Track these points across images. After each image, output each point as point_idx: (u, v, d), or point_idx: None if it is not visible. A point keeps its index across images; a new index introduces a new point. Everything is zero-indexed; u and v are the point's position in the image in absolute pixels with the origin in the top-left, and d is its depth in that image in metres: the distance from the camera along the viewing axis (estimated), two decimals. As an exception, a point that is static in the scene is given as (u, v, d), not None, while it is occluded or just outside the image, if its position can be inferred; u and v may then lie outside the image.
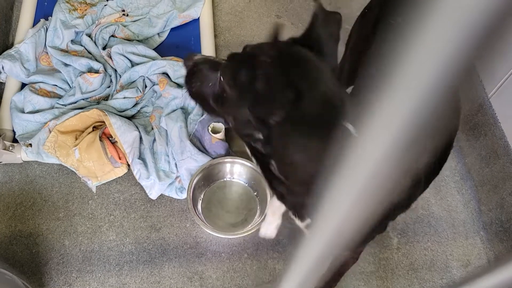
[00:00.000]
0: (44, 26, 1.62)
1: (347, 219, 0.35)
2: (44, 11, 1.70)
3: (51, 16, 1.65)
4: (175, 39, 1.72)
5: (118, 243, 1.35)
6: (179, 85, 1.49)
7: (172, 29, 1.73)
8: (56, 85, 1.53)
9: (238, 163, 1.40)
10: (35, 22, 1.66)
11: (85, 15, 1.67)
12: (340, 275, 1.27)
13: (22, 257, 1.32)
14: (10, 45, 1.62)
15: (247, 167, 1.39)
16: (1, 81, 1.54)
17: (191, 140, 1.39)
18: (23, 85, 1.53)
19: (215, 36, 1.75)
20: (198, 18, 1.74)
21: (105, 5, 1.71)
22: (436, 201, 1.48)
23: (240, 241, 1.36)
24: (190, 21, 1.74)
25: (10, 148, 1.39)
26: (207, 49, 1.67)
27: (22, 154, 1.40)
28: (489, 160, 1.43)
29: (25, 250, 1.33)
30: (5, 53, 1.54)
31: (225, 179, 1.43)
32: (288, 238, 1.38)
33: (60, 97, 1.51)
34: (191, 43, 1.71)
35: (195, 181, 1.34)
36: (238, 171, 1.42)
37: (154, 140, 1.43)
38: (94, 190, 1.40)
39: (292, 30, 1.81)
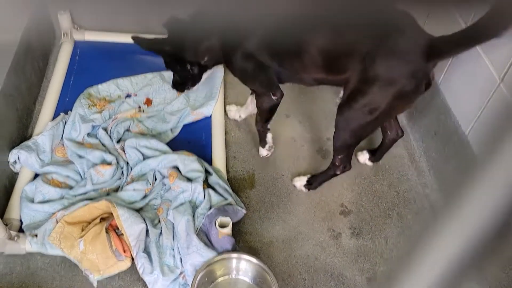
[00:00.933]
0: (63, 120, 1.70)
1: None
2: (64, 106, 1.80)
3: (71, 110, 1.74)
4: (187, 135, 1.78)
5: None
6: (189, 179, 1.51)
7: (185, 125, 1.80)
8: (68, 176, 1.56)
9: (244, 259, 1.36)
10: (55, 116, 1.75)
11: (103, 110, 1.76)
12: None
13: None
14: (28, 137, 1.69)
15: (253, 264, 1.36)
16: (16, 171, 1.58)
17: (197, 235, 1.37)
18: (36, 175, 1.56)
19: (226, 132, 1.81)
20: (210, 115, 1.82)
21: (123, 102, 1.81)
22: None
23: None
24: (202, 118, 1.82)
25: (15, 238, 1.38)
26: (218, 145, 1.72)
27: (26, 245, 1.39)
28: None
29: None
30: (22, 144, 1.60)
31: (230, 276, 1.38)
32: None
33: (71, 187, 1.53)
34: (202, 139, 1.76)
35: (199, 277, 1.30)
36: (243, 268, 1.38)
37: (161, 233, 1.41)
38: (95, 284, 1.36)
39: (299, 128, 1.88)
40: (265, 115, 1.62)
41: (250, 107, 1.81)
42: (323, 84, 1.49)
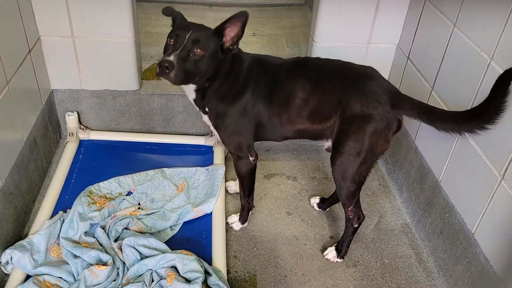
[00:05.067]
0: (61, 218, 1.67)
1: None
2: (64, 204, 1.78)
3: (70, 208, 1.72)
4: (187, 232, 1.74)
5: None
6: (187, 280, 1.44)
7: (185, 222, 1.77)
8: (61, 278, 1.49)
9: None
10: (53, 214, 1.72)
11: (102, 208, 1.74)
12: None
13: None
14: (24, 236, 1.64)
15: None
16: (7, 272, 1.51)
17: None
18: (28, 277, 1.49)
19: (226, 230, 1.77)
20: (211, 212, 1.80)
21: (123, 199, 1.80)
22: None
23: None
24: (203, 215, 1.79)
25: None
26: (218, 243, 1.67)
27: None
28: None
29: None
30: (17, 243, 1.55)
31: None
32: None
33: (62, 290, 1.45)
34: (202, 237, 1.72)
35: None
36: None
37: None
38: None
39: (302, 226, 1.84)
40: (246, 183, 1.72)
41: None
42: (305, 136, 1.60)
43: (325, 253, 1.72)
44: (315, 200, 1.94)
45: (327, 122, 1.50)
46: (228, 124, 1.56)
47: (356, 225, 1.64)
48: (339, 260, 1.70)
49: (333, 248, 1.72)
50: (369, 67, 1.51)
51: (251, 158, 1.63)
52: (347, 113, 1.43)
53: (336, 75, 1.48)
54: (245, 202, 1.76)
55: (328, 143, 1.59)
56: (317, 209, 1.93)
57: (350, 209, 1.60)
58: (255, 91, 1.51)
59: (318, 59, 1.59)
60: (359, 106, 1.41)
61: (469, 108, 1.42)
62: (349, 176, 1.50)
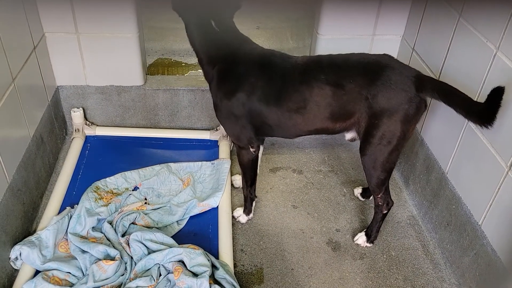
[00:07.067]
0: (69, 214, 1.68)
1: None
2: (71, 200, 1.79)
3: (77, 204, 1.73)
4: (193, 226, 1.74)
5: None
6: (194, 274, 1.45)
7: (191, 217, 1.77)
8: (69, 273, 1.50)
9: None
10: (61, 210, 1.73)
11: (109, 203, 1.75)
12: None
13: None
14: (32, 232, 1.66)
15: None
16: (16, 268, 1.53)
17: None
18: (37, 272, 1.50)
19: (232, 224, 1.78)
20: (217, 206, 1.80)
21: (129, 194, 1.81)
22: None
23: None
24: (209, 209, 1.80)
25: None
26: (225, 237, 1.67)
27: None
28: None
29: None
30: (25, 239, 1.56)
31: None
32: None
33: (71, 285, 1.47)
34: (208, 231, 1.73)
35: None
36: None
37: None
38: None
39: (308, 220, 1.84)
40: (247, 172, 1.73)
41: None
42: (323, 133, 1.59)
43: (355, 238, 1.76)
44: (358, 191, 1.98)
45: (351, 119, 1.48)
46: (223, 117, 1.58)
47: (385, 211, 1.67)
48: (369, 245, 1.74)
49: (363, 233, 1.75)
50: (385, 55, 1.48)
51: (251, 149, 1.64)
52: (376, 108, 1.42)
53: (357, 72, 1.44)
54: (247, 192, 1.77)
55: (350, 134, 1.57)
56: (362, 199, 1.96)
57: (379, 196, 1.63)
58: (253, 93, 1.48)
59: (331, 57, 1.50)
60: (387, 100, 1.40)
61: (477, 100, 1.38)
62: (379, 165, 1.52)
